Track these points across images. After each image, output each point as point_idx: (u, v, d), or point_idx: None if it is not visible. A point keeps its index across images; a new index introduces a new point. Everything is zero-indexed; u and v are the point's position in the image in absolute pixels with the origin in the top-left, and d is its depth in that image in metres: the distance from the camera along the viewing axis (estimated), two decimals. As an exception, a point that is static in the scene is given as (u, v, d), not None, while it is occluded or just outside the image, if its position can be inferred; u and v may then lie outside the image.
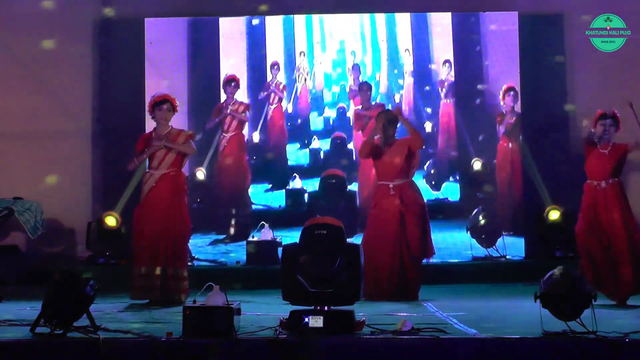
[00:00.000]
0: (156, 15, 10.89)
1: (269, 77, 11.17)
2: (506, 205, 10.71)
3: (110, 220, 10.25)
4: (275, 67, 11.14)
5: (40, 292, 6.11)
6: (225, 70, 11.00)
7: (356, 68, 11.15)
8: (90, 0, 11.04)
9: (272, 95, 11.13)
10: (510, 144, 10.71)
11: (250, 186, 10.94)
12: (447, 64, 11.01)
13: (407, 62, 11.15)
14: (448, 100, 11.01)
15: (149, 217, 8.04)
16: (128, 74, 10.81)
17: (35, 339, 5.77)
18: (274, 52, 11.19)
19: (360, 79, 11.07)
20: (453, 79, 10.98)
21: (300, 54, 11.23)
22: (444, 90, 11.03)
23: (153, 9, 10.86)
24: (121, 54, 10.91)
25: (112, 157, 10.85)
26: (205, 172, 10.79)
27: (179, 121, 10.80)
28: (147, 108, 8.42)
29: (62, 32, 10.88)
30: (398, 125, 8.47)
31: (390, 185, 8.34)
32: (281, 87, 11.14)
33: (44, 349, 5.64)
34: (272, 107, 11.16)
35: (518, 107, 10.66)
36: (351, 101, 11.15)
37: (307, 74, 11.22)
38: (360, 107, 10.87)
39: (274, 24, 11.16)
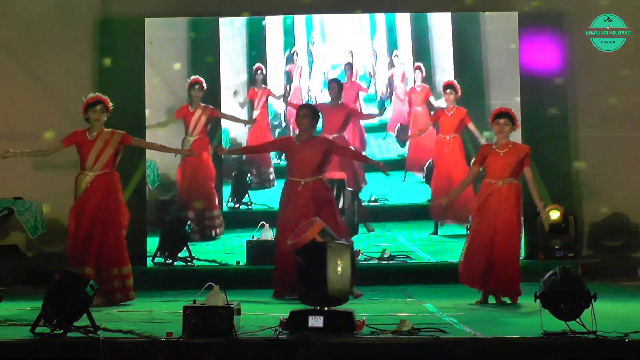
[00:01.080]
0: (156, 15, 10.89)
1: (275, 79, 11.13)
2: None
3: (110, 220, 10.24)
4: (259, 72, 11.13)
5: (40, 292, 6.11)
6: (225, 70, 10.99)
7: (349, 66, 11.14)
8: (90, 0, 11.04)
9: (259, 99, 11.11)
10: (448, 137, 10.75)
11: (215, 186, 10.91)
12: (418, 71, 11.04)
13: (407, 61, 11.14)
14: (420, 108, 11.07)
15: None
16: (128, 74, 10.81)
17: (35, 339, 5.77)
18: (274, 52, 11.17)
19: (353, 77, 11.09)
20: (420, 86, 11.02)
21: (294, 53, 11.20)
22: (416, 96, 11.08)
23: (153, 9, 10.86)
24: (121, 54, 10.91)
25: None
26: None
27: (179, 121, 10.87)
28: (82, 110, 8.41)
29: (63, 32, 10.88)
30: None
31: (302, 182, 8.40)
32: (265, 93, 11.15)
33: (44, 349, 5.64)
34: (256, 112, 11.12)
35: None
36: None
37: (301, 74, 11.19)
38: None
39: (273, 24, 11.16)
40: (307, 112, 8.46)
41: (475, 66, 10.94)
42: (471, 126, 10.69)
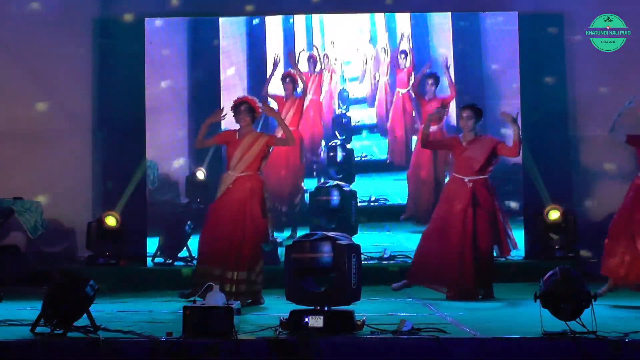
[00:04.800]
0: (156, 15, 10.90)
1: (299, 69, 10.97)
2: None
3: (110, 220, 10.25)
4: (312, 59, 11.10)
5: (40, 292, 6.11)
6: (225, 71, 10.98)
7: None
8: (90, 0, 11.04)
9: (310, 85, 11.04)
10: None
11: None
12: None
13: (407, 62, 11.13)
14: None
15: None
16: (128, 74, 10.81)
17: (35, 339, 5.77)
18: (274, 52, 11.16)
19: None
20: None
21: (324, 55, 11.15)
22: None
23: (153, 9, 10.87)
24: (121, 54, 10.92)
25: (112, 157, 10.87)
26: (205, 172, 10.75)
27: (179, 121, 10.85)
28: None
29: (62, 32, 10.88)
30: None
31: (466, 180, 8.41)
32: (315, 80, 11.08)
33: (44, 349, 5.64)
34: (308, 97, 11.05)
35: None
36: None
37: (332, 72, 11.16)
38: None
39: (274, 24, 11.15)
40: (471, 114, 8.44)
41: (475, 66, 10.94)
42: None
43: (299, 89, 10.87)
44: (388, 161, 11.19)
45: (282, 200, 10.82)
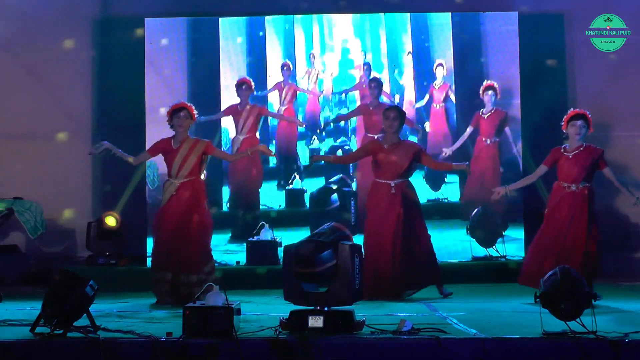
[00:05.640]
0: (156, 15, 10.89)
1: (277, 79, 11.10)
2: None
3: (110, 220, 10.25)
4: (286, 67, 11.13)
5: (40, 292, 6.11)
6: (225, 70, 10.99)
7: (367, 66, 11.13)
8: (90, 0, 11.04)
9: (285, 94, 11.10)
10: (488, 141, 10.72)
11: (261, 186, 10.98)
12: (440, 67, 11.00)
13: (407, 62, 11.14)
14: (438, 106, 11.02)
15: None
16: (128, 74, 10.81)
17: (35, 339, 5.78)
18: (274, 52, 11.17)
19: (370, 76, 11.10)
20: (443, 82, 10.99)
21: (310, 55, 11.18)
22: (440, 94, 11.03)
23: (153, 9, 10.86)
24: (121, 54, 10.92)
25: (112, 157, 10.84)
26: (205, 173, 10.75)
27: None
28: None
29: (62, 32, 10.88)
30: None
31: (392, 184, 8.36)
32: (292, 89, 11.13)
33: (44, 349, 5.64)
34: (283, 108, 11.13)
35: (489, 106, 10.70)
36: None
37: (317, 76, 11.18)
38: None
39: (274, 24, 11.15)
40: (397, 115, 8.38)
41: (475, 66, 10.94)
42: (507, 130, 10.67)
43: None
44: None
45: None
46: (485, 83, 10.70)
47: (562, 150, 8.10)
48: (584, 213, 7.89)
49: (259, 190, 10.94)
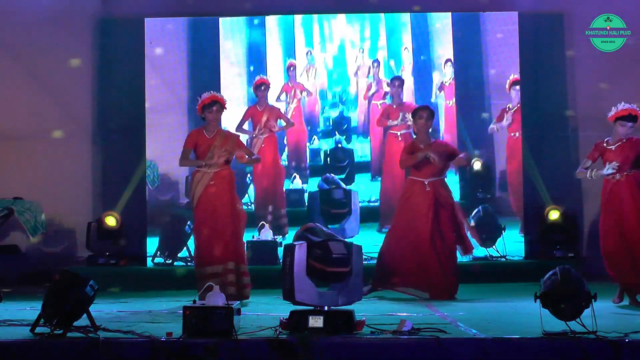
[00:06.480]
0: (156, 15, 10.89)
1: (277, 79, 11.11)
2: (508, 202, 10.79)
3: (110, 220, 10.25)
4: (292, 67, 11.15)
5: (40, 292, 6.11)
6: (225, 70, 10.99)
7: (376, 63, 11.16)
8: (90, 0, 11.04)
9: (293, 95, 11.15)
10: (515, 135, 10.72)
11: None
12: (449, 63, 10.99)
13: (407, 62, 11.14)
14: (450, 103, 11.00)
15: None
16: (128, 74, 10.82)
17: (35, 339, 5.77)
18: (274, 52, 11.18)
19: (379, 75, 11.12)
20: (453, 80, 10.96)
21: (307, 53, 11.21)
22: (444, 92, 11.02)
23: (153, 9, 10.86)
24: (121, 54, 10.92)
25: (112, 157, 10.87)
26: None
27: (179, 121, 10.85)
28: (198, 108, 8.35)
29: (62, 32, 10.88)
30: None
31: (425, 182, 8.40)
32: (299, 90, 11.16)
33: (44, 349, 5.64)
34: (292, 106, 11.15)
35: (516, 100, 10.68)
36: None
37: (315, 73, 11.20)
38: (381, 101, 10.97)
39: (274, 24, 11.16)
40: (430, 114, 8.47)
41: (475, 66, 10.94)
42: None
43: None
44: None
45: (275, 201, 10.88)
46: (512, 77, 10.66)
47: (604, 144, 8.09)
48: (636, 199, 7.91)
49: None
